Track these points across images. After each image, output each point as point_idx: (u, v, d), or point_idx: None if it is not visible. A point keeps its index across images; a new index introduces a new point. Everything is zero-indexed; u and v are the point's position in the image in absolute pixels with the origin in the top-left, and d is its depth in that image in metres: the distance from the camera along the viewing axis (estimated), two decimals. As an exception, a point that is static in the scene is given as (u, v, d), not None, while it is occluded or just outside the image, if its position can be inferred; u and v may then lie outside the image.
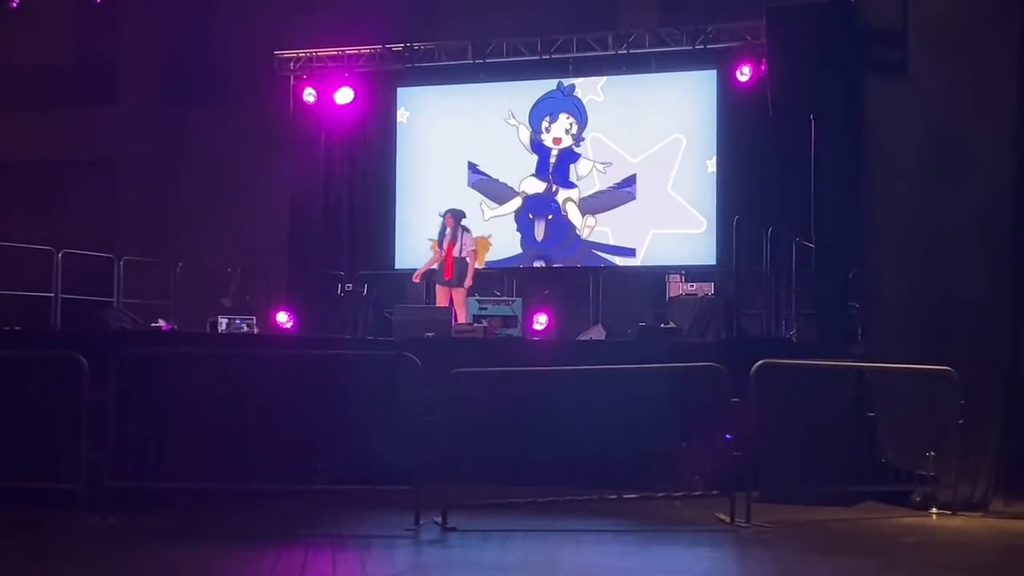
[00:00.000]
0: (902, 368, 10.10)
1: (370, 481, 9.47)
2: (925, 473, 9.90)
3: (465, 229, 15.27)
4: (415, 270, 16.04)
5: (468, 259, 15.08)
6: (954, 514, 9.69)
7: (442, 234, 15.35)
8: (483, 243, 17.18)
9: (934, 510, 9.81)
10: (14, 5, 15.49)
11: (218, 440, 9.85)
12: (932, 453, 9.84)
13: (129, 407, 9.29)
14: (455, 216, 15.29)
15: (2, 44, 19.74)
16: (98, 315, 14.58)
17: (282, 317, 16.08)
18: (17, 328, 12.80)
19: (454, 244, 15.07)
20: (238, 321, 14.70)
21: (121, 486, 9.09)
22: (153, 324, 14.36)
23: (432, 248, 15.73)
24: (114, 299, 16.51)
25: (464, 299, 14.99)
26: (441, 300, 15.11)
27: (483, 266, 16.54)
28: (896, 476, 10.02)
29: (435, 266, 15.36)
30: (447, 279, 15.04)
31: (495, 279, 17.04)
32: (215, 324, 14.56)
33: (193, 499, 9.45)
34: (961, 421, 9.71)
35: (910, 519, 9.62)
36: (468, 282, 15.01)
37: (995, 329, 10.07)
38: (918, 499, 9.93)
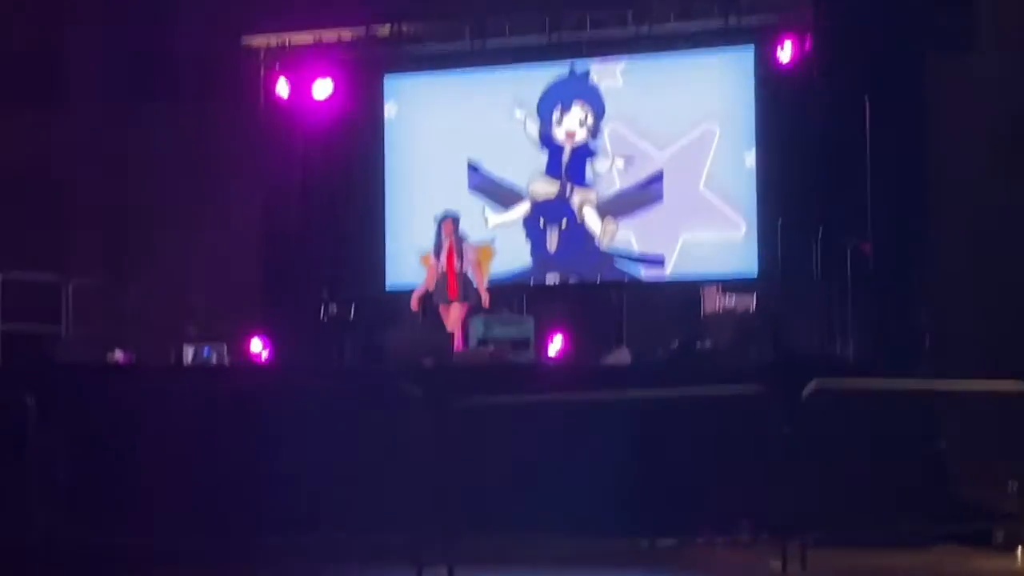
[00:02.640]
0: (977, 389, 10.10)
1: (367, 530, 9.47)
2: (1007, 508, 9.89)
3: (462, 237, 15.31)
4: (409, 289, 16.02)
5: (469, 273, 15.08)
6: (1042, 554, 9.71)
7: (438, 244, 15.35)
8: (485, 252, 17.11)
9: (1019, 550, 9.80)
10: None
11: (190, 489, 9.86)
12: (1015, 485, 9.84)
13: (83, 452, 9.32)
14: (454, 221, 15.30)
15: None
16: (45, 348, 14.64)
17: (256, 345, 16.08)
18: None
19: (455, 255, 15.08)
20: (206, 350, 14.72)
21: (74, 541, 9.10)
22: (109, 355, 14.39)
23: (423, 262, 15.64)
24: (63, 328, 16.56)
25: (468, 319, 14.99)
26: (452, 323, 15.09)
27: (487, 280, 16.46)
28: (974, 513, 10.02)
29: (433, 284, 15.36)
30: (451, 298, 15.04)
31: (502, 296, 17.01)
32: (180, 354, 14.59)
33: (163, 557, 9.45)
34: (1047, 448, 9.75)
35: (993, 562, 9.63)
36: (486, 303, 15.00)
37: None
38: (1000, 538, 9.92)
